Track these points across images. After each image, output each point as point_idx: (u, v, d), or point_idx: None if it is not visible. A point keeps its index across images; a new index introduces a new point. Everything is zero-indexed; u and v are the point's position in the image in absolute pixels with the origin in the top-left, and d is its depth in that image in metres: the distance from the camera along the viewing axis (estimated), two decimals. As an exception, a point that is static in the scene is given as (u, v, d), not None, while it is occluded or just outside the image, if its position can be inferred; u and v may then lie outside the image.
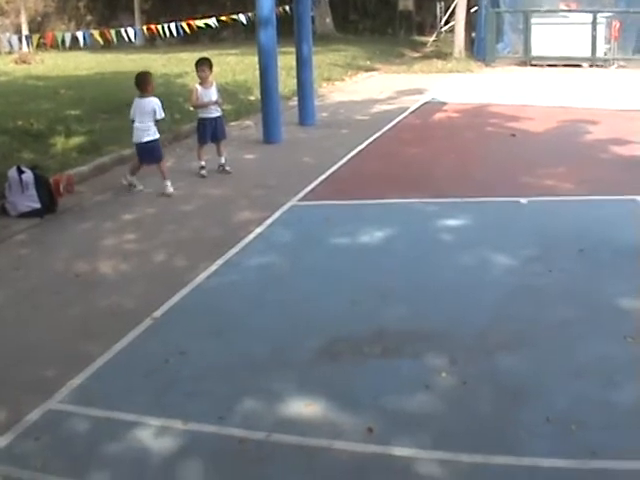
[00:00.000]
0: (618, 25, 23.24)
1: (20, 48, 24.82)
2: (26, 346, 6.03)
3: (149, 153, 10.32)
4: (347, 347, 5.76)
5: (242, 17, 13.30)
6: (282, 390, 5.17)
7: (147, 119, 10.13)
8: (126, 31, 11.21)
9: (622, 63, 22.74)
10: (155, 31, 11.64)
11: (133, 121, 10.26)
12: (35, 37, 11.09)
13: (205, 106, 11.04)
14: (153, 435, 4.72)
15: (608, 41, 23.33)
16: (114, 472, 4.38)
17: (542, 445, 4.44)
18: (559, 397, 4.96)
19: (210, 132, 11.16)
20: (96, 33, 11.18)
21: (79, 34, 10.89)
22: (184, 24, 12.05)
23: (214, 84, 11.22)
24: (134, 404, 5.09)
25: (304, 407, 4.96)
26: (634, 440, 4.48)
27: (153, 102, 10.15)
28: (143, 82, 10.26)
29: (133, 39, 11.79)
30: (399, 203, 9.38)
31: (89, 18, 37.00)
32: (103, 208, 9.78)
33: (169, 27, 11.77)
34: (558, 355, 5.54)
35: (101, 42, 12.11)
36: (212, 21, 13.09)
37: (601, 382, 5.12)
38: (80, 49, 28.34)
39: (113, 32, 11.02)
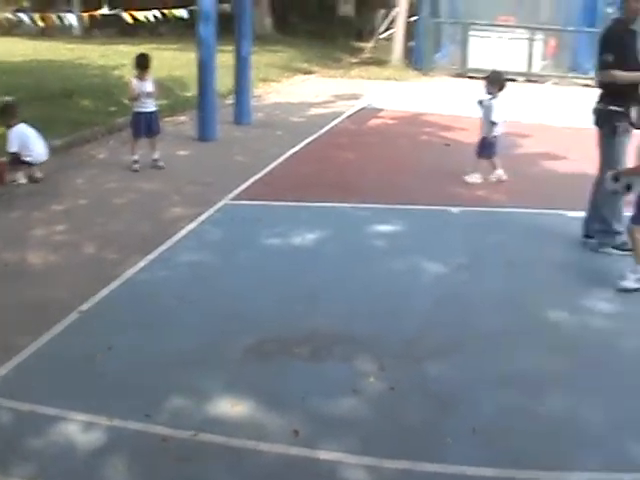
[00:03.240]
0: (555, 42, 23.55)
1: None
2: (-52, 335, 5.91)
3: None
4: (276, 347, 5.77)
5: (183, 12, 13.19)
6: (210, 388, 5.15)
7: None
8: (66, 16, 11.07)
9: (556, 80, 22.99)
10: (95, 17, 11.53)
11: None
12: (-27, 17, 10.91)
13: (139, 98, 10.94)
14: (77, 430, 4.65)
15: (544, 57, 23.60)
16: (36, 467, 4.31)
17: (467, 453, 4.48)
18: (485, 406, 5.01)
19: (145, 126, 11.06)
20: (36, 16, 11.00)
21: (22, 15, 10.74)
22: (125, 14, 11.93)
23: (151, 78, 11.12)
24: (59, 398, 5.01)
25: (231, 407, 4.94)
26: (557, 448, 4.54)
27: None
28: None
29: (74, 24, 11.72)
30: (332, 207, 9.40)
31: (25, 4, 36.38)
32: (33, 198, 9.63)
33: (109, 15, 11.69)
34: (485, 364, 5.60)
35: (41, 24, 11.92)
36: (152, 14, 12.98)
37: (526, 392, 5.18)
38: (15, 35, 28.08)
39: (54, 16, 10.87)
